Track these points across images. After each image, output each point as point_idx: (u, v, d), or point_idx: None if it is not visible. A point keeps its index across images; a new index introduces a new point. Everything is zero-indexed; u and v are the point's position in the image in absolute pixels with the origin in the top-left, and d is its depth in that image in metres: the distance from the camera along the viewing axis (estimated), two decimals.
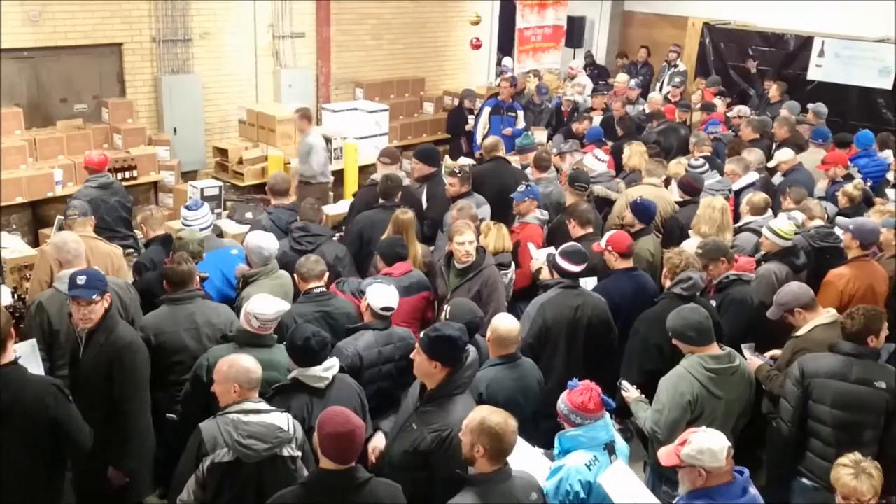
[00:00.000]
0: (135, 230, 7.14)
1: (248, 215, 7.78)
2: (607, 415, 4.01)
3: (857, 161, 8.98)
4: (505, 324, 4.58)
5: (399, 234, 6.03)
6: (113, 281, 5.10)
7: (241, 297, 5.29)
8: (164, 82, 10.40)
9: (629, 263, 5.83)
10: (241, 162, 9.69)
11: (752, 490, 3.55)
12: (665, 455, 3.61)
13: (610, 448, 3.92)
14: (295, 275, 5.32)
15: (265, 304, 4.46)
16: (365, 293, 4.93)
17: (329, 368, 4.19)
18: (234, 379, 3.82)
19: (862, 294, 5.76)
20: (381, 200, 6.82)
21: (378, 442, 4.50)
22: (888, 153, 9.44)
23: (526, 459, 3.90)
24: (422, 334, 4.10)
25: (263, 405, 3.83)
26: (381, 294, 4.85)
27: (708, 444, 3.45)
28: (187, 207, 6.30)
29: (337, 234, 7.41)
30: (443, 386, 4.04)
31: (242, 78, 11.30)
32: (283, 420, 3.79)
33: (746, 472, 3.58)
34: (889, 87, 13.06)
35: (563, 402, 3.98)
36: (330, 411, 3.48)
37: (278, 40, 11.53)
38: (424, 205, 7.41)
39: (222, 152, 9.95)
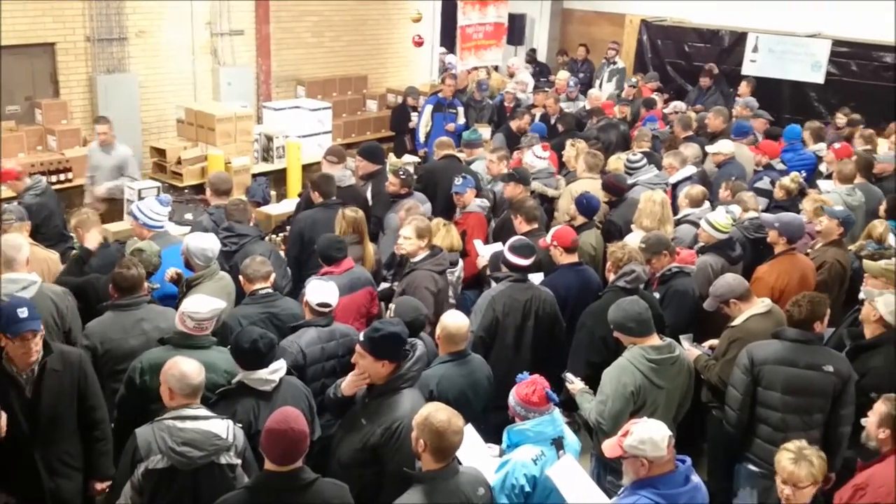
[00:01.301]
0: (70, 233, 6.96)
1: (188, 216, 7.66)
2: (556, 411, 4.07)
3: (784, 155, 9.24)
4: (454, 321, 4.62)
5: (355, 233, 6.09)
6: (49, 288, 4.97)
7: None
8: (100, 82, 10.17)
9: (574, 258, 5.92)
10: (179, 162, 9.52)
11: (695, 478, 3.63)
12: (609, 447, 3.67)
13: (558, 443, 3.97)
14: (240, 276, 5.26)
15: (199, 304, 4.39)
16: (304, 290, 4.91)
17: (276, 371, 4.15)
18: (167, 382, 3.78)
19: (792, 287, 5.92)
20: (320, 199, 6.78)
21: None
22: (821, 146, 9.73)
23: (476, 455, 3.94)
24: (362, 337, 4.11)
25: (202, 411, 3.77)
26: (319, 290, 4.83)
27: (649, 434, 3.51)
28: (159, 201, 6.08)
29: (281, 234, 7.38)
30: (390, 381, 4.09)
31: (180, 77, 11.11)
32: (221, 427, 3.74)
33: (689, 460, 3.65)
34: (821, 81, 13.47)
35: (511, 396, 4.04)
36: (275, 414, 3.46)
37: (217, 38, 11.36)
38: (370, 202, 7.40)
39: (160, 152, 9.75)
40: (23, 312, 3.98)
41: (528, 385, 3.99)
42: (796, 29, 13.63)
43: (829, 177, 8.61)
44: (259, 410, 4.06)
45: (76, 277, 5.50)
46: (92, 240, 5.81)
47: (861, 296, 5.55)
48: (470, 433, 3.90)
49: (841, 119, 11.18)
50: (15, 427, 4.05)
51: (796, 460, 3.74)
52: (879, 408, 4.08)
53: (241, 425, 3.93)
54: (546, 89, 12.32)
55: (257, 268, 5.18)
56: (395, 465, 3.88)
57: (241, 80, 11.61)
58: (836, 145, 9.21)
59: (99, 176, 8.47)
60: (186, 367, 3.80)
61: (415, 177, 7.68)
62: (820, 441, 4.66)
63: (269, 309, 5.10)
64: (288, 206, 8.17)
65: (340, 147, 8.27)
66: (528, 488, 3.82)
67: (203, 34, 11.22)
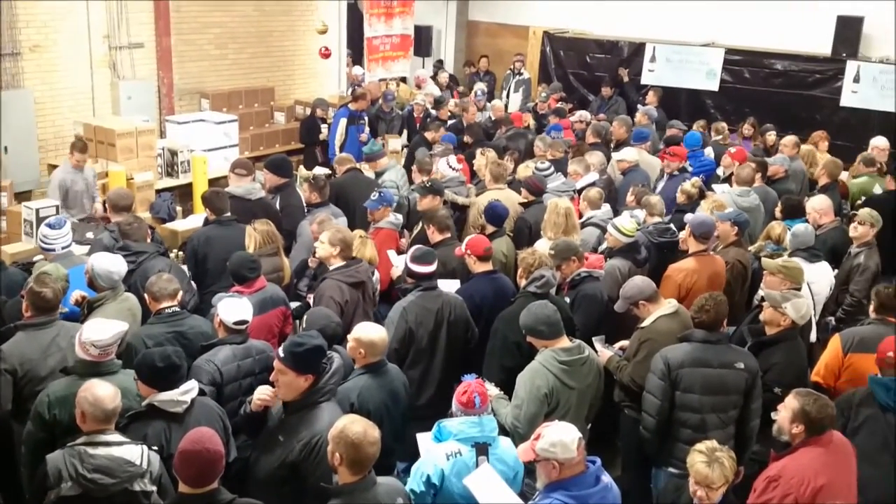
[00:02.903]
0: None
1: (89, 235, 7.35)
2: (492, 419, 4.13)
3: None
4: (372, 332, 4.60)
5: (270, 244, 6.07)
6: None
7: None
8: None
9: (488, 266, 5.99)
10: None
11: (605, 478, 3.70)
12: (522, 451, 3.73)
13: (481, 448, 4.00)
14: (146, 294, 5.10)
15: (101, 331, 4.23)
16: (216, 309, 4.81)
17: (187, 391, 4.04)
18: (80, 405, 3.66)
19: (700, 286, 6.12)
20: (213, 217, 6.64)
21: None
22: (710, 150, 10.14)
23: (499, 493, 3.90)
24: (282, 352, 4.04)
25: (115, 437, 3.66)
26: (233, 308, 4.74)
27: (559, 437, 3.57)
28: (49, 225, 5.83)
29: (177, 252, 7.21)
30: (308, 395, 4.04)
31: (78, 91, 10.71)
32: (135, 453, 3.63)
33: (598, 461, 3.72)
34: (716, 88, 14.01)
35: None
36: (188, 435, 3.39)
37: (115, 51, 11.01)
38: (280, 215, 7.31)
39: None
40: None
41: (464, 386, 4.12)
42: (691, 39, 14.16)
43: (726, 180, 8.95)
44: (171, 433, 3.94)
45: None
46: None
47: (759, 294, 5.77)
48: (489, 474, 3.88)
49: (748, 129, 11.62)
50: None
51: (709, 463, 3.79)
52: (791, 403, 4.18)
53: (155, 449, 3.81)
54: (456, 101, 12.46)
55: (163, 286, 5.03)
56: (315, 481, 3.83)
57: (142, 94, 11.28)
58: (732, 149, 9.61)
59: (72, 197, 8.28)
60: (101, 392, 3.68)
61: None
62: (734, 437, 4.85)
63: (176, 328, 4.95)
64: (195, 221, 7.97)
65: (246, 159, 8.16)
66: (434, 480, 3.88)
67: (101, 48, 10.86)
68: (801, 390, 4.30)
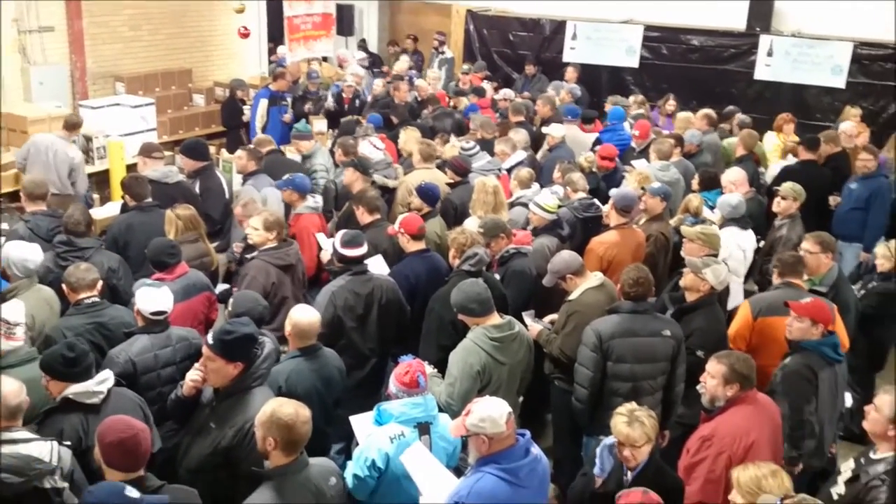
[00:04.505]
0: None
1: (4, 226, 7.09)
2: (433, 398, 4.15)
3: (602, 135, 9.73)
4: (305, 316, 4.57)
5: (192, 230, 5.94)
6: None
7: None
8: None
9: (421, 245, 5.98)
10: None
11: (535, 450, 3.77)
12: (454, 427, 3.77)
13: (423, 428, 4.03)
14: (63, 285, 4.94)
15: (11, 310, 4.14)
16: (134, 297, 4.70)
17: (103, 381, 3.95)
18: None
19: (622, 258, 6.26)
20: (133, 203, 6.47)
21: None
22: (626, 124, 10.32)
23: (432, 472, 3.89)
24: (211, 339, 3.98)
25: (22, 434, 3.54)
26: (151, 297, 4.61)
27: (489, 412, 3.61)
28: None
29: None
30: (239, 381, 4.00)
31: None
32: (44, 450, 3.52)
33: (527, 433, 3.79)
34: (635, 65, 14.23)
35: (392, 376, 4.14)
36: (108, 420, 3.34)
37: (25, 35, 10.58)
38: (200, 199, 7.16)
39: None
40: None
41: (405, 366, 4.10)
42: (610, 16, 14.32)
43: (641, 153, 9.11)
44: (88, 425, 3.83)
45: None
46: None
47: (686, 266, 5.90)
48: (421, 451, 3.89)
49: (671, 105, 11.80)
50: None
51: (630, 422, 3.97)
52: (718, 368, 4.31)
53: (69, 444, 3.71)
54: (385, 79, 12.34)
55: (82, 276, 4.87)
56: (248, 466, 3.79)
57: (54, 79, 10.87)
58: (635, 127, 9.64)
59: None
60: (5, 388, 3.56)
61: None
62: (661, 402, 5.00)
63: (96, 319, 4.82)
64: (113, 208, 7.76)
65: (152, 143, 7.97)
66: (379, 464, 3.89)
67: (10, 32, 10.40)
68: (720, 353, 4.47)
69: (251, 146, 7.17)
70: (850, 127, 9.93)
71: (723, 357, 4.39)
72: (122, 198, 6.86)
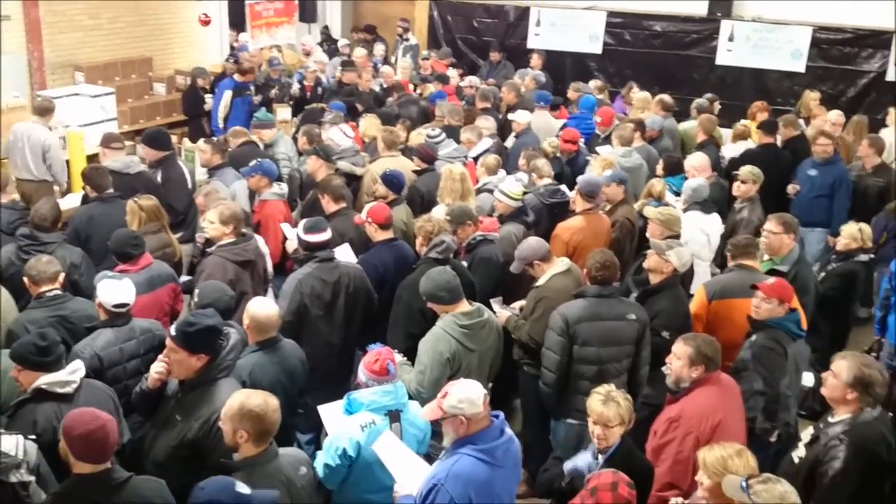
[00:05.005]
0: None
1: None
2: (402, 385, 4.16)
3: (569, 122, 9.78)
4: (262, 309, 4.53)
5: (155, 221, 5.87)
6: None
7: None
8: None
9: (389, 234, 5.96)
10: None
11: (508, 431, 3.81)
12: (429, 411, 3.77)
13: (394, 416, 4.03)
14: (25, 278, 4.86)
15: None
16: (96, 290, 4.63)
17: (75, 371, 3.92)
18: None
19: (587, 243, 6.30)
20: (94, 193, 6.37)
21: None
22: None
23: (405, 461, 3.89)
24: (174, 331, 3.94)
25: None
26: (113, 290, 4.54)
27: (466, 394, 3.65)
28: None
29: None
30: (204, 372, 3.98)
31: None
32: (9, 444, 3.48)
33: (502, 415, 3.83)
34: (599, 51, 14.30)
35: (361, 364, 4.12)
36: (73, 413, 3.31)
37: None
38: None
39: None
40: None
41: (374, 355, 4.10)
42: (574, 3, 14.36)
43: (606, 139, 9.17)
44: (62, 415, 3.74)
45: None
46: None
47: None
48: (392, 439, 3.90)
49: (636, 91, 11.84)
50: None
51: (605, 402, 4.02)
52: (684, 350, 4.37)
53: (42, 435, 3.68)
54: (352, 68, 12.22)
55: (43, 268, 4.80)
56: (216, 458, 3.77)
57: (11, 69, 10.57)
58: (598, 114, 9.72)
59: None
60: None
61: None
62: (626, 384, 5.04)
63: (58, 312, 4.75)
64: (73, 200, 7.64)
65: (114, 133, 7.85)
66: (350, 452, 3.89)
67: None
68: (686, 336, 4.53)
69: (215, 139, 7.09)
70: (837, 116, 9.97)
71: (689, 339, 4.45)
72: (83, 189, 6.76)
